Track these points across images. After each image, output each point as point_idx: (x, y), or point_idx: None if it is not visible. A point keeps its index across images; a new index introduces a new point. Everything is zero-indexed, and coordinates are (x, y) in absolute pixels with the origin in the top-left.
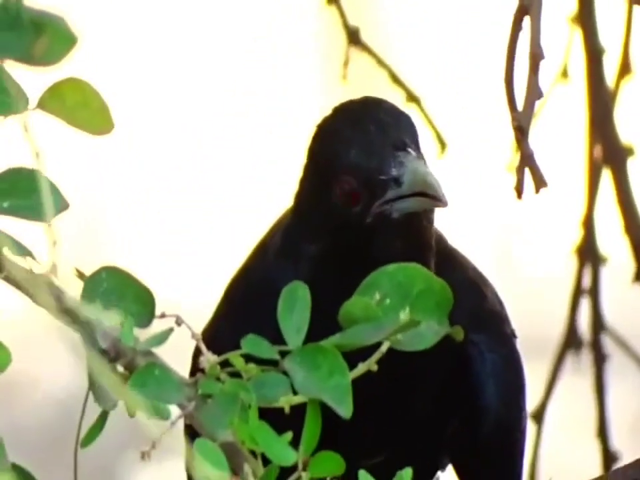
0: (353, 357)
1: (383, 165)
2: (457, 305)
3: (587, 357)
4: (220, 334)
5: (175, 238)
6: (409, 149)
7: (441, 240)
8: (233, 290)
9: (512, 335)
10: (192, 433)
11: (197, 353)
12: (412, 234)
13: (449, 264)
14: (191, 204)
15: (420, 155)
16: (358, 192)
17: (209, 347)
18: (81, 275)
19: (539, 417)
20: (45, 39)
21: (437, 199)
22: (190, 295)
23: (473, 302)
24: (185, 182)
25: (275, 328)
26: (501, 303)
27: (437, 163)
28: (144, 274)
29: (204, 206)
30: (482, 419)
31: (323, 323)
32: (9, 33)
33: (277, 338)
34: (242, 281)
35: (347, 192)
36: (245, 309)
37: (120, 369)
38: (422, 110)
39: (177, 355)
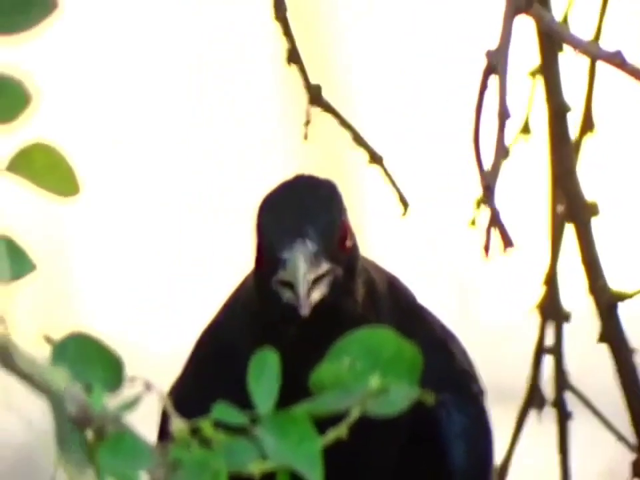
0: (324, 422)
1: (279, 245)
2: (425, 365)
3: (550, 414)
4: (188, 395)
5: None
6: (308, 239)
7: (408, 297)
8: (201, 348)
9: (480, 394)
10: None
11: (165, 415)
12: (305, 319)
13: (416, 322)
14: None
15: (318, 248)
16: (262, 258)
17: (176, 408)
18: (49, 340)
19: (501, 474)
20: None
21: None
22: (161, 353)
23: (441, 361)
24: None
25: (244, 390)
26: (469, 361)
27: (400, 222)
28: (111, 334)
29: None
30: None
31: (290, 387)
32: None
33: (246, 400)
34: (210, 340)
35: (258, 254)
36: (213, 370)
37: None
38: (384, 170)
39: (146, 415)
